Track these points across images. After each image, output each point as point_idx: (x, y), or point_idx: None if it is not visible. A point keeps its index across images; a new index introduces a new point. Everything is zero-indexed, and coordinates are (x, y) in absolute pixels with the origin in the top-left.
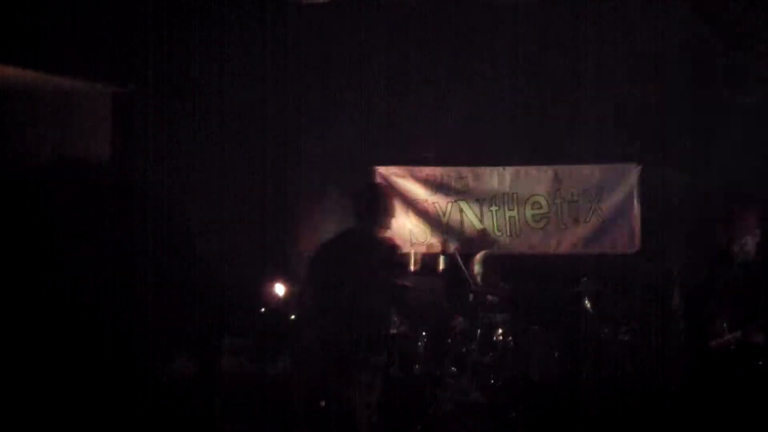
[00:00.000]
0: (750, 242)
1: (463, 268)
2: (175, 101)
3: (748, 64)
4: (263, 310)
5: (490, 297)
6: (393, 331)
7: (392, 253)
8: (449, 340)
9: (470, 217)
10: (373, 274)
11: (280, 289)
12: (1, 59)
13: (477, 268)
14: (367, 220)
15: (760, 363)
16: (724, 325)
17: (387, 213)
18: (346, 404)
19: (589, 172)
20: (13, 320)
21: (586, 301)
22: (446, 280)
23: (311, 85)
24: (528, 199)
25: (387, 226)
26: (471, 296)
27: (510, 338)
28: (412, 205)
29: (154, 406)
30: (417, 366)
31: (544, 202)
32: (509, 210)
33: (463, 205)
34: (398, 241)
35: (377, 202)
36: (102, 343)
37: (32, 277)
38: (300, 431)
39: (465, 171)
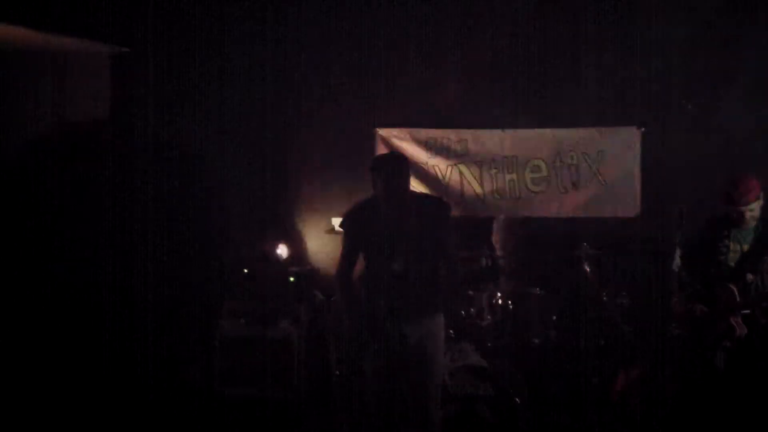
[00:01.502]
0: (757, 208)
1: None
2: (175, 63)
3: (749, 30)
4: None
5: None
6: None
7: (444, 212)
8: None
9: (470, 179)
10: (419, 235)
11: (282, 250)
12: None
13: (499, 235)
14: (393, 187)
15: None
16: (734, 292)
17: (408, 181)
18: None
19: (590, 136)
20: (16, 282)
21: (586, 266)
22: None
23: (311, 45)
24: (528, 162)
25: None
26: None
27: (509, 302)
28: (412, 167)
29: (154, 370)
30: None
31: (543, 166)
32: (509, 173)
33: (463, 168)
34: None
35: (404, 171)
36: (101, 306)
37: (33, 239)
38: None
39: (465, 133)
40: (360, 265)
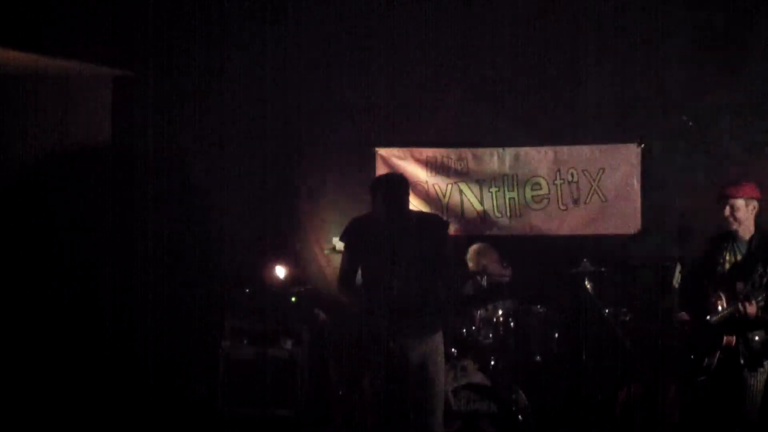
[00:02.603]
0: (743, 207)
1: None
2: (176, 85)
3: (747, 42)
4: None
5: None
6: None
7: (442, 230)
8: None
9: (470, 198)
10: (417, 252)
11: (280, 271)
12: (0, 42)
13: (471, 264)
14: (398, 204)
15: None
16: (722, 298)
17: (407, 199)
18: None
19: (590, 153)
20: (17, 292)
21: (587, 282)
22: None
23: (313, 68)
24: (528, 180)
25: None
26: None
27: (511, 320)
28: (412, 187)
29: (156, 390)
30: None
31: (544, 183)
32: (509, 191)
33: (463, 186)
34: None
35: (404, 190)
36: (102, 325)
37: (35, 258)
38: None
39: (465, 152)
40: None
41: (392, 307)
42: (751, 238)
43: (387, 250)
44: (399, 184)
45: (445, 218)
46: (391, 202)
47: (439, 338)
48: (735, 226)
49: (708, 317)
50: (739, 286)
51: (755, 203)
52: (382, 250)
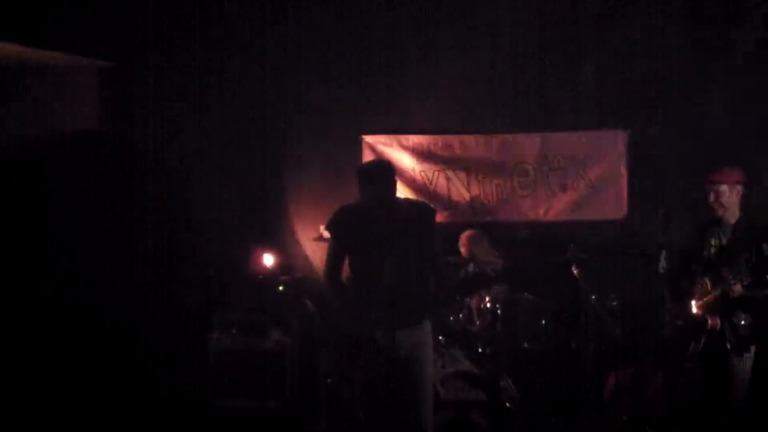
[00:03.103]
0: (727, 192)
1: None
2: (164, 75)
3: (738, 28)
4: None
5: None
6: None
7: (429, 217)
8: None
9: (457, 185)
10: (405, 240)
11: (268, 259)
12: None
13: (464, 248)
14: (385, 192)
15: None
16: (707, 283)
17: (395, 186)
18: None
19: (576, 139)
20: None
21: (574, 268)
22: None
23: (296, 53)
24: (515, 166)
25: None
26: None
27: (499, 307)
28: (399, 174)
29: (145, 384)
30: None
31: (531, 170)
32: (496, 178)
33: (450, 173)
34: None
35: (390, 177)
36: (93, 316)
37: (27, 249)
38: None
39: (452, 139)
40: (346, 272)
41: (382, 296)
42: (737, 222)
43: (376, 238)
44: (386, 171)
45: (432, 205)
46: (379, 190)
47: (427, 327)
48: (720, 212)
49: (693, 302)
50: (725, 270)
51: (740, 188)
52: (370, 239)
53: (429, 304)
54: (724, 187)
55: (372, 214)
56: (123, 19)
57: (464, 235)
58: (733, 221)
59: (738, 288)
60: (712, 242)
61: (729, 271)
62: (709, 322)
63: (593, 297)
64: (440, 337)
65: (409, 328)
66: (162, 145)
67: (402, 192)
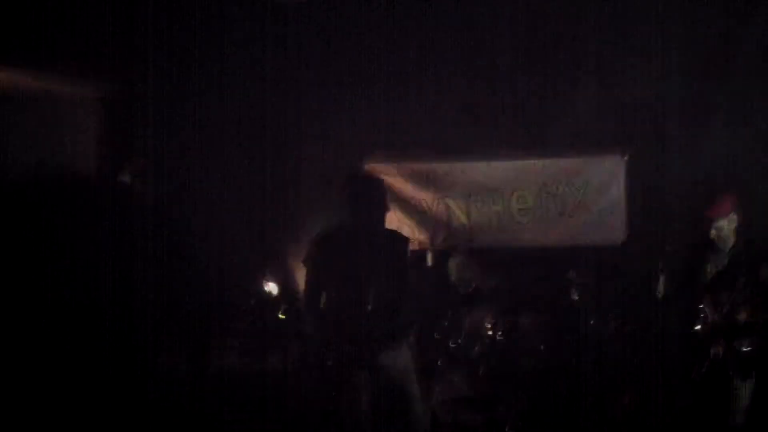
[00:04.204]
0: (725, 226)
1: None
2: (165, 103)
3: (736, 50)
4: (252, 302)
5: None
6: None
7: (402, 246)
8: (436, 335)
9: (456, 212)
10: (381, 269)
11: (272, 287)
12: None
13: (452, 276)
14: (365, 214)
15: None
16: (707, 309)
17: (383, 207)
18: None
19: (575, 165)
20: (12, 323)
21: (574, 293)
22: (434, 275)
23: (305, 87)
24: (513, 193)
25: (382, 220)
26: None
27: (498, 331)
28: (398, 201)
29: (147, 406)
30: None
31: (529, 196)
32: (495, 205)
33: (449, 201)
34: None
35: (373, 196)
36: (96, 343)
37: (22, 284)
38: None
39: (451, 166)
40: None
41: (366, 325)
42: (732, 246)
43: (360, 266)
44: (380, 190)
45: (406, 235)
46: (371, 212)
47: (406, 352)
48: (722, 245)
49: (694, 328)
50: (723, 296)
51: (734, 216)
52: (354, 266)
53: (407, 330)
54: (722, 222)
55: (358, 238)
56: (127, 46)
57: (452, 263)
58: (729, 245)
59: (742, 315)
60: (708, 268)
61: (728, 296)
62: (712, 350)
63: (592, 321)
64: (439, 362)
65: (393, 353)
66: (166, 173)
67: (401, 219)
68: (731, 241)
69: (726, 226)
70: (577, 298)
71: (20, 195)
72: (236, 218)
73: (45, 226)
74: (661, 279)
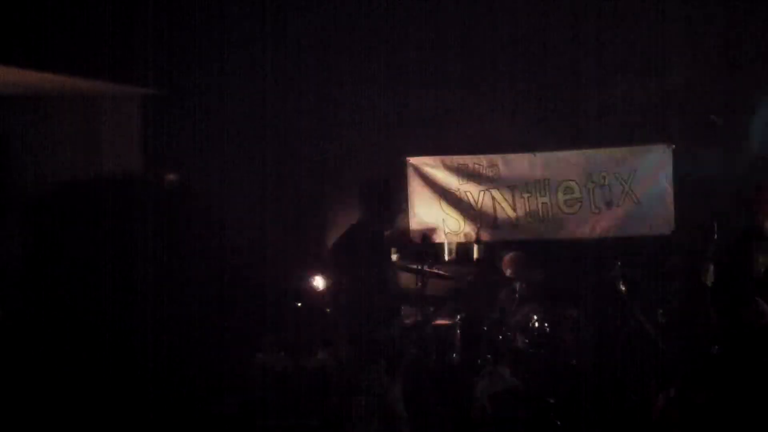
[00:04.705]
0: None
1: None
2: (201, 101)
3: None
4: (299, 304)
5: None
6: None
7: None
8: (485, 328)
9: (503, 204)
10: (376, 271)
11: (319, 282)
12: (25, 63)
13: (507, 269)
14: (374, 215)
15: None
16: (764, 305)
17: (392, 209)
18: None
19: (621, 155)
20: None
21: (621, 285)
22: (482, 268)
23: (347, 77)
24: (560, 184)
25: (393, 222)
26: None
27: (546, 324)
28: (444, 194)
29: (191, 404)
30: (454, 354)
31: (576, 187)
32: (541, 196)
33: (495, 193)
34: (432, 231)
35: (382, 198)
36: (139, 336)
37: (69, 278)
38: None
39: (496, 159)
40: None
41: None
42: None
43: (377, 263)
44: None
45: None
46: (389, 211)
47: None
48: None
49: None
50: None
51: None
52: (373, 264)
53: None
54: None
55: (376, 237)
56: (166, 46)
57: (507, 257)
58: None
59: None
60: (760, 259)
61: None
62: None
63: (640, 313)
64: (488, 356)
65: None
66: (208, 172)
67: (448, 213)
68: None
69: None
70: (624, 289)
71: (61, 196)
72: (285, 214)
73: (89, 223)
74: (710, 270)
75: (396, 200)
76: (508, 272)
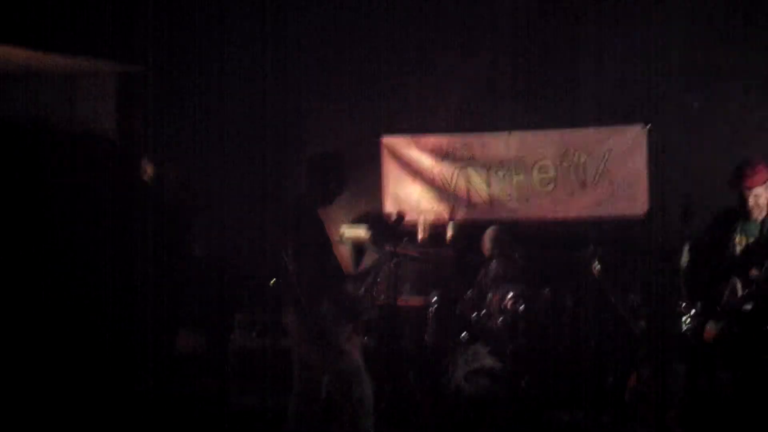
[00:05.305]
0: (763, 194)
1: None
2: (177, 78)
3: (758, 19)
4: (272, 282)
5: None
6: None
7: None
8: (459, 308)
9: (477, 183)
10: (298, 248)
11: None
12: (5, 39)
13: (488, 245)
14: (310, 191)
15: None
16: (738, 284)
17: (329, 187)
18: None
19: (596, 135)
20: (20, 300)
21: (595, 266)
22: (455, 248)
23: (314, 56)
24: (535, 163)
25: (328, 200)
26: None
27: (520, 305)
28: (418, 174)
29: (165, 383)
30: (428, 334)
31: (551, 166)
32: (516, 175)
33: (470, 171)
34: (406, 210)
35: (321, 175)
36: (111, 321)
37: (38, 261)
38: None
39: (471, 138)
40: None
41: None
42: (764, 220)
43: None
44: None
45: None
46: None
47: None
48: (756, 214)
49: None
50: (754, 272)
51: None
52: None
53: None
54: (760, 190)
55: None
56: (144, 22)
57: (487, 233)
58: (760, 218)
59: None
60: (736, 239)
61: (759, 273)
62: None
63: (613, 294)
64: (463, 334)
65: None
66: (182, 149)
67: (421, 192)
68: (765, 211)
69: (764, 193)
70: (598, 270)
71: (39, 169)
72: (254, 192)
73: (60, 200)
74: (685, 251)
75: (337, 178)
76: (487, 249)
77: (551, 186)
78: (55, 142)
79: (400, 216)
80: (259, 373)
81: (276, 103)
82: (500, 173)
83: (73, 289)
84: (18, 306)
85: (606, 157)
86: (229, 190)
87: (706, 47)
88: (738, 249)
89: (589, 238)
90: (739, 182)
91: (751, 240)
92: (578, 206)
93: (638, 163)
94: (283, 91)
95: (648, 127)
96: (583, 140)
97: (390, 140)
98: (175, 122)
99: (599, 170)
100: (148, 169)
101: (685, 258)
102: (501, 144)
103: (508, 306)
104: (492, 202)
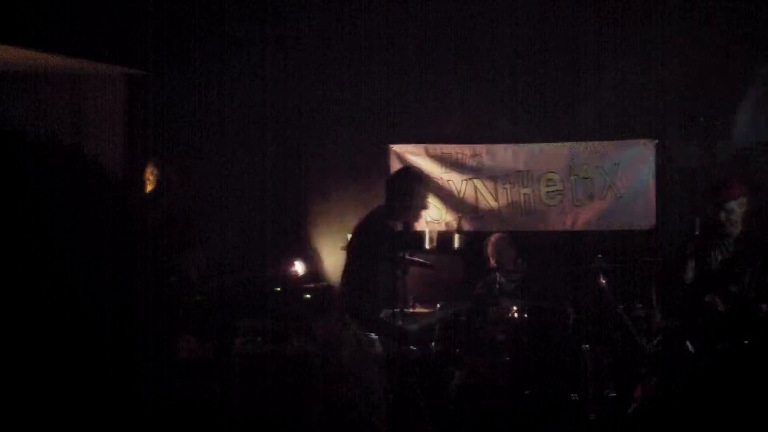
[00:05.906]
0: (736, 209)
1: None
2: (187, 83)
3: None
4: (278, 289)
5: (503, 280)
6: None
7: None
8: (463, 319)
9: (484, 194)
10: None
11: (299, 267)
12: (10, 41)
13: (491, 251)
14: (389, 204)
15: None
16: (717, 300)
17: (409, 200)
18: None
19: (604, 149)
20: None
21: (601, 279)
22: (462, 258)
23: (325, 66)
24: (542, 176)
25: (409, 213)
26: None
27: (525, 316)
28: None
29: (169, 390)
30: (432, 344)
31: (558, 179)
32: (523, 187)
33: (478, 182)
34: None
35: (401, 188)
36: (114, 327)
37: (38, 263)
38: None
39: (479, 149)
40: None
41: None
42: (739, 236)
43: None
44: (416, 184)
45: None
46: (420, 204)
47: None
48: (730, 230)
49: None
50: (732, 288)
51: (744, 200)
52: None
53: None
54: (732, 204)
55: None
56: (151, 26)
57: (491, 239)
58: (735, 233)
59: (765, 308)
60: (712, 254)
61: (737, 289)
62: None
63: (620, 307)
64: (465, 347)
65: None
66: (190, 153)
67: (430, 201)
68: (739, 227)
69: (737, 209)
70: (604, 283)
71: (47, 171)
72: (260, 200)
73: (68, 203)
74: (690, 264)
75: (422, 194)
76: (491, 256)
77: (558, 199)
78: (54, 147)
79: (408, 225)
80: (263, 379)
81: (279, 109)
82: (507, 185)
83: (73, 291)
84: (19, 307)
85: (613, 170)
86: (230, 191)
87: (715, 63)
88: (714, 265)
89: (596, 250)
90: (713, 197)
91: (728, 256)
92: (585, 219)
93: (645, 177)
94: (295, 96)
95: (655, 141)
96: (591, 154)
97: (399, 148)
98: (177, 125)
99: (606, 184)
100: (152, 173)
101: (689, 273)
102: (509, 155)
103: (513, 318)
104: (499, 213)
